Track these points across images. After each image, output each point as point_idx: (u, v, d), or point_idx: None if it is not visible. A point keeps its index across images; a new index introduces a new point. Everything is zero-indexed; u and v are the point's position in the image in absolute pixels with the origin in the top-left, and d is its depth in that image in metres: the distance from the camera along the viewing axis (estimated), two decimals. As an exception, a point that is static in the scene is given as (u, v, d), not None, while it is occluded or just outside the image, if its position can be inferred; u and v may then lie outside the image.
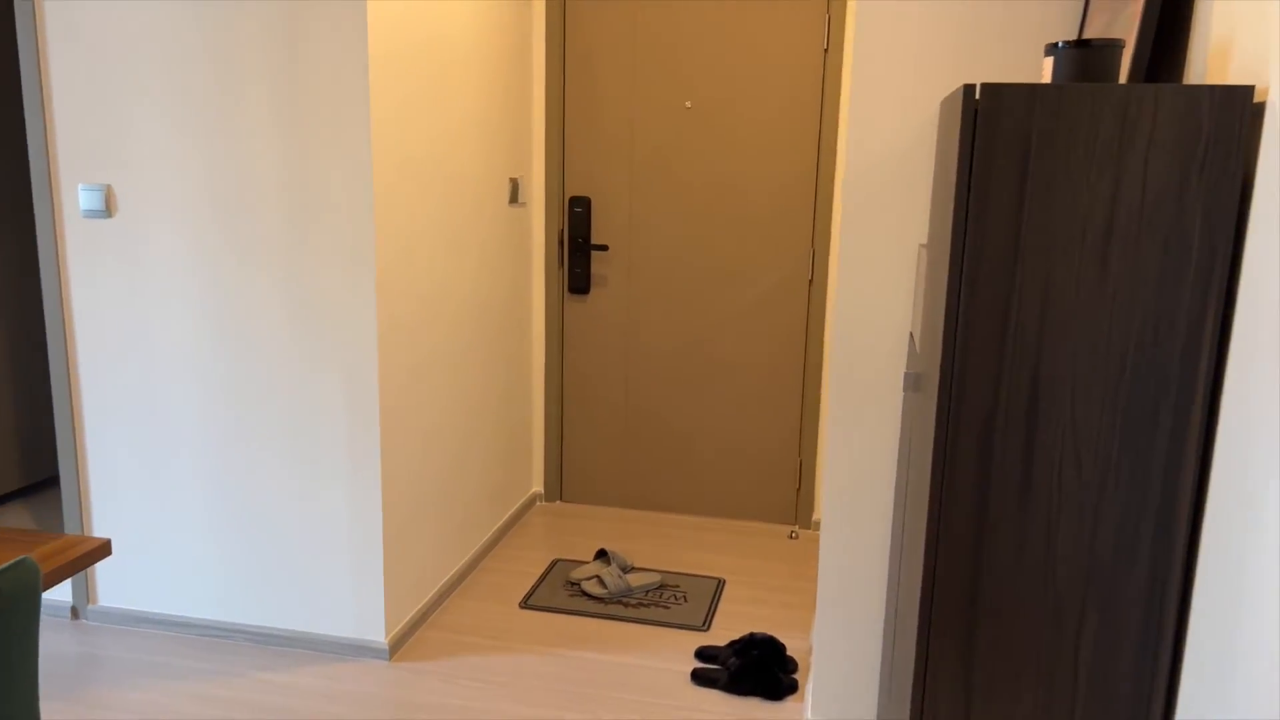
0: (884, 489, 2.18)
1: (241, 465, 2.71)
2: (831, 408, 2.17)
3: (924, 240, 2.08)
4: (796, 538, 3.60)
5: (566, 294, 3.74)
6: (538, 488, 3.91)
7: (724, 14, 3.42)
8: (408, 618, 2.83)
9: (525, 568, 3.30)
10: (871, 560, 2.21)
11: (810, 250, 3.50)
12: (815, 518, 3.68)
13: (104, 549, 1.55)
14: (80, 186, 2.66)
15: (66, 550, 1.52)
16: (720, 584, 3.19)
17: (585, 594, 3.09)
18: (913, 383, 1.83)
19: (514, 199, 3.47)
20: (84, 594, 2.89)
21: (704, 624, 2.92)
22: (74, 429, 2.80)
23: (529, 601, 3.05)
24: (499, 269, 3.38)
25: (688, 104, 3.51)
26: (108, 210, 2.66)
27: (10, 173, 3.52)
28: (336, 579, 2.70)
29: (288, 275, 2.58)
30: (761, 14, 3.40)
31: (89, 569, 2.87)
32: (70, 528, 2.85)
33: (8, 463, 3.59)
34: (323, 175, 2.51)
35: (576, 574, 3.19)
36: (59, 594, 2.94)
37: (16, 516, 3.47)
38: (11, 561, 1.21)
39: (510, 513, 3.65)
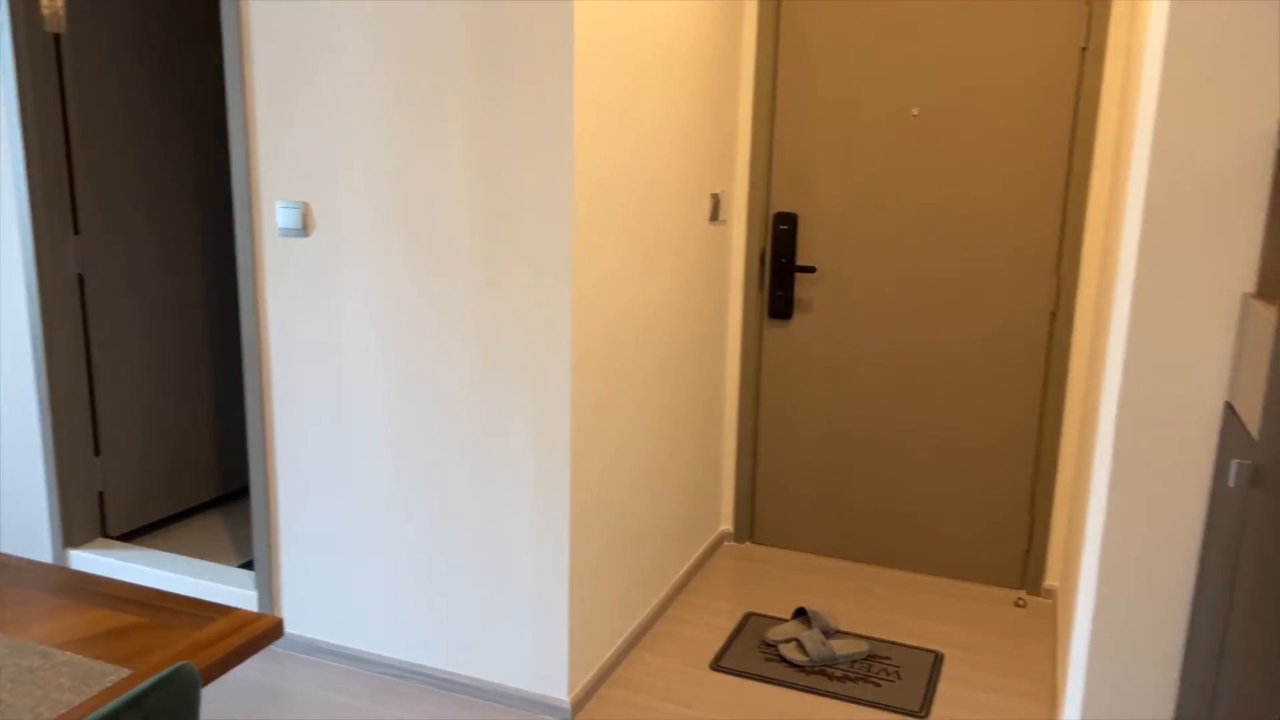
0: (1175, 589, 1.76)
1: (426, 495, 2.56)
2: (1107, 482, 1.78)
3: (1250, 288, 1.65)
4: (1024, 605, 3.15)
5: (766, 319, 3.44)
6: (726, 526, 3.63)
7: (960, 11, 3.02)
8: (592, 672, 2.61)
9: (715, 620, 3.02)
10: (1150, 677, 1.80)
11: (1055, 279, 3.05)
12: (1047, 584, 3.22)
13: (275, 630, 1.37)
14: (278, 204, 2.58)
15: (236, 632, 1.35)
16: (938, 658, 2.81)
17: (783, 659, 2.78)
18: (1248, 476, 1.43)
19: (714, 216, 3.20)
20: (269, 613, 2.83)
21: (921, 709, 2.55)
22: (265, 442, 2.74)
23: (720, 663, 2.77)
24: (694, 291, 3.12)
25: (914, 111, 3.13)
26: (304, 228, 2.57)
27: (215, 188, 3.55)
28: (519, 625, 2.51)
29: (478, 301, 2.40)
30: (1005, 9, 2.98)
31: (271, 586, 2.81)
32: (259, 540, 2.79)
33: (207, 471, 3.63)
34: (519, 194, 2.31)
35: (773, 634, 2.88)
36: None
37: (212, 525, 3.50)
38: (168, 670, 1.02)
39: (697, 554, 3.39)
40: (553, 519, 2.42)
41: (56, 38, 2.95)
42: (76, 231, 3.06)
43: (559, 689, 2.50)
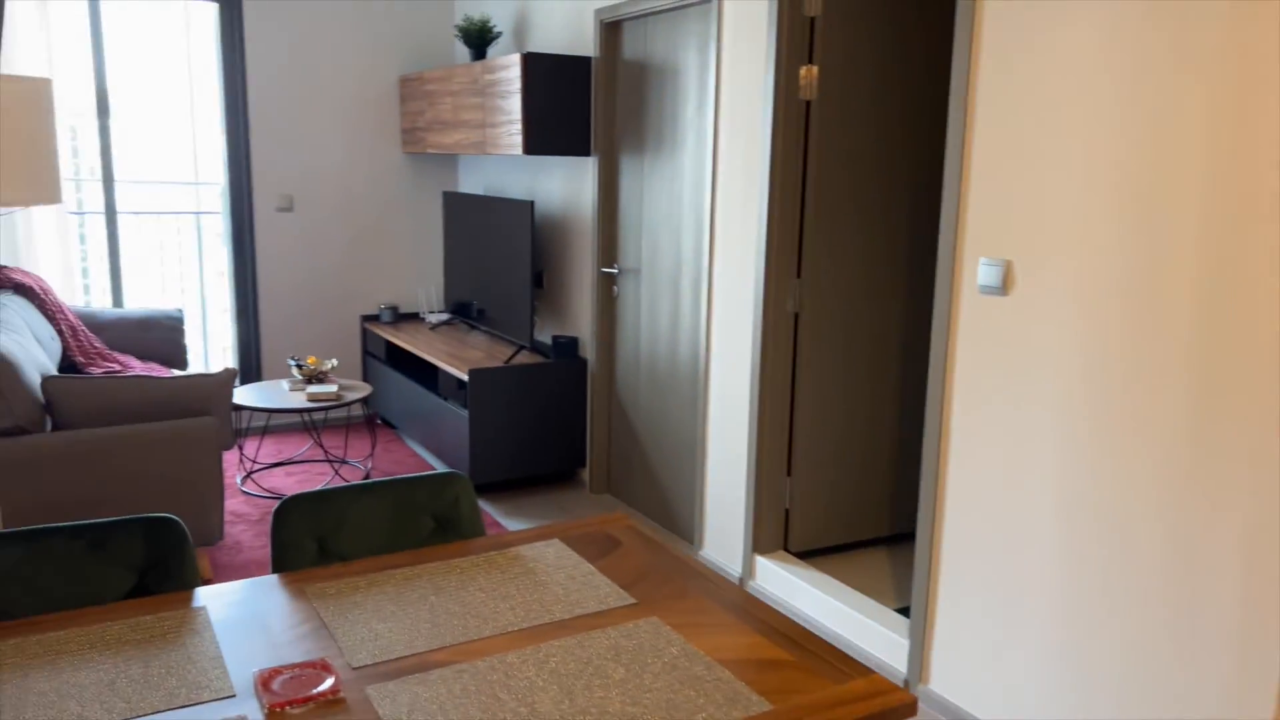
0: None
1: (1108, 569, 2.29)
2: None
3: None
4: None
5: None
6: None
7: None
8: None
9: None
10: None
11: None
12: None
13: (909, 709, 1.33)
14: (981, 260, 2.55)
15: (870, 698, 1.35)
16: None
17: None
18: None
19: None
20: (917, 667, 2.83)
21: None
22: (936, 492, 2.73)
23: None
24: None
25: None
26: (1003, 287, 2.50)
27: (923, 239, 3.66)
28: (1194, 776, 2.10)
29: (1200, 393, 2.06)
30: None
31: (924, 641, 2.79)
32: (917, 590, 2.80)
33: (882, 508, 3.78)
34: (1258, 265, 1.93)
35: None
36: (901, 662, 2.93)
37: (879, 562, 3.63)
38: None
39: None
40: (1257, 673, 1.97)
41: (807, 104, 3.33)
42: (798, 274, 3.42)
43: None
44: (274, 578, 1.75)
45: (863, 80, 3.41)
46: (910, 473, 3.83)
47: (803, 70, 3.28)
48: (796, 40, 3.24)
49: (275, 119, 5.18)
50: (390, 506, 1.97)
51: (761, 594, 3.49)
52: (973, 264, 2.58)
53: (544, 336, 4.86)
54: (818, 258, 3.45)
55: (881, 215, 3.55)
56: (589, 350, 4.47)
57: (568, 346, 4.50)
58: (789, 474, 3.55)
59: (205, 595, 1.68)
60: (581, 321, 4.53)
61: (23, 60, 4.44)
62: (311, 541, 1.89)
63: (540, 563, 1.82)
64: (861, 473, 3.71)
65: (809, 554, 3.66)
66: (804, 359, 3.49)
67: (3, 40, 4.35)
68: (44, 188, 2.41)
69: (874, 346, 3.64)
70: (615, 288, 4.34)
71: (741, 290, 3.46)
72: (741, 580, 3.58)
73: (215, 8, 5.04)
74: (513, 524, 4.15)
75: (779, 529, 3.56)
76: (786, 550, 3.59)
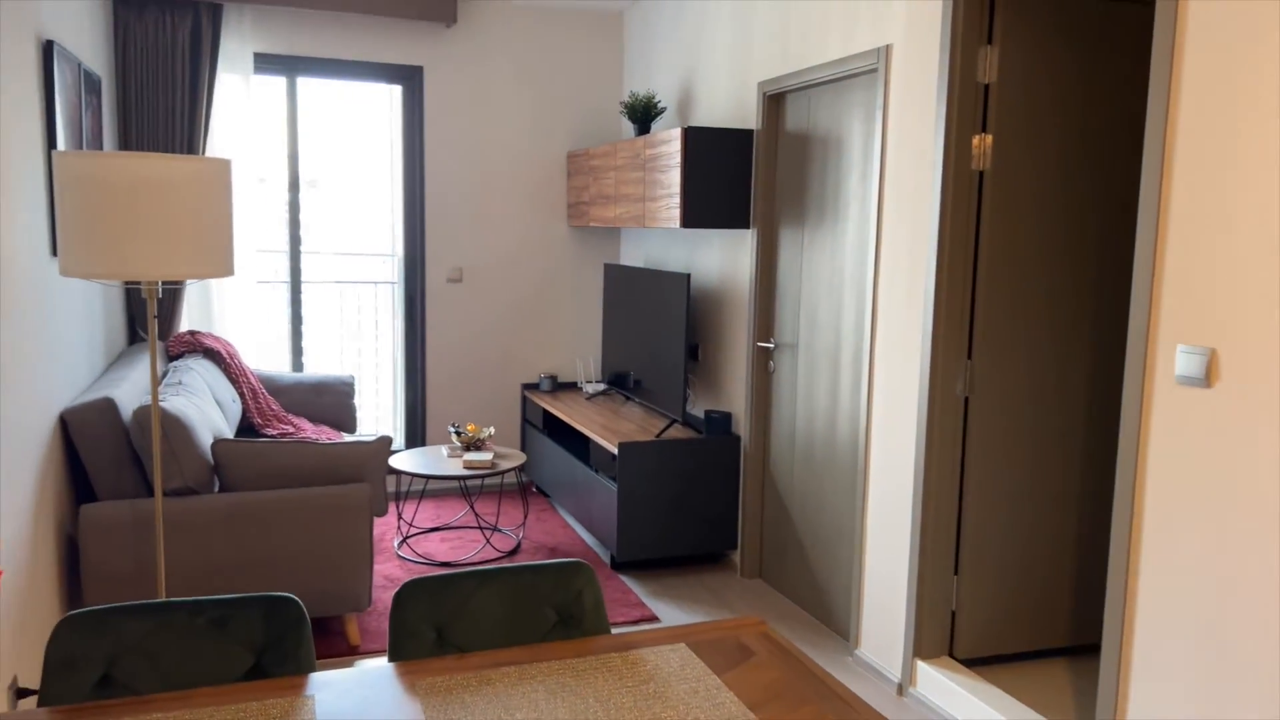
0: None
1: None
2: None
3: None
4: None
5: None
6: None
7: None
8: None
9: None
10: None
11: None
12: None
13: None
14: (1179, 348, 2.26)
15: None
16: None
17: None
18: None
19: None
20: (1100, 811, 2.47)
21: None
22: (1124, 604, 2.41)
23: None
24: None
25: None
26: (1206, 378, 2.19)
27: (1110, 322, 3.33)
28: None
29: None
30: None
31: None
32: (1102, 708, 2.46)
33: (1061, 615, 3.40)
34: None
35: None
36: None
37: (1057, 675, 3.25)
38: None
39: None
40: None
41: (980, 174, 3.11)
42: (969, 355, 3.17)
43: None
44: (389, 667, 1.69)
45: (1043, 148, 3.16)
46: (1093, 577, 3.44)
47: (975, 139, 3.07)
48: (968, 107, 3.04)
49: (449, 194, 5.38)
50: (512, 596, 1.88)
51: (922, 704, 3.18)
52: (1169, 351, 2.29)
53: (698, 411, 4.75)
54: (991, 338, 3.19)
55: (1063, 292, 3.25)
56: (743, 426, 4.32)
57: (721, 422, 4.36)
58: (956, 572, 3.25)
59: (317, 683, 1.63)
60: (736, 396, 4.39)
61: (223, 140, 4.80)
62: (430, 629, 1.82)
63: (662, 670, 1.68)
64: (1038, 575, 3.35)
65: (977, 662, 3.32)
66: (974, 447, 3.21)
67: (211, 121, 4.72)
68: (219, 263, 2.52)
69: (1052, 437, 3.31)
70: (771, 363, 4.18)
71: (906, 370, 3.23)
72: (900, 687, 3.28)
73: (399, 89, 5.31)
74: (658, 605, 4.01)
75: (944, 632, 3.26)
76: (952, 656, 3.28)
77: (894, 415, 3.29)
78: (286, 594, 1.74)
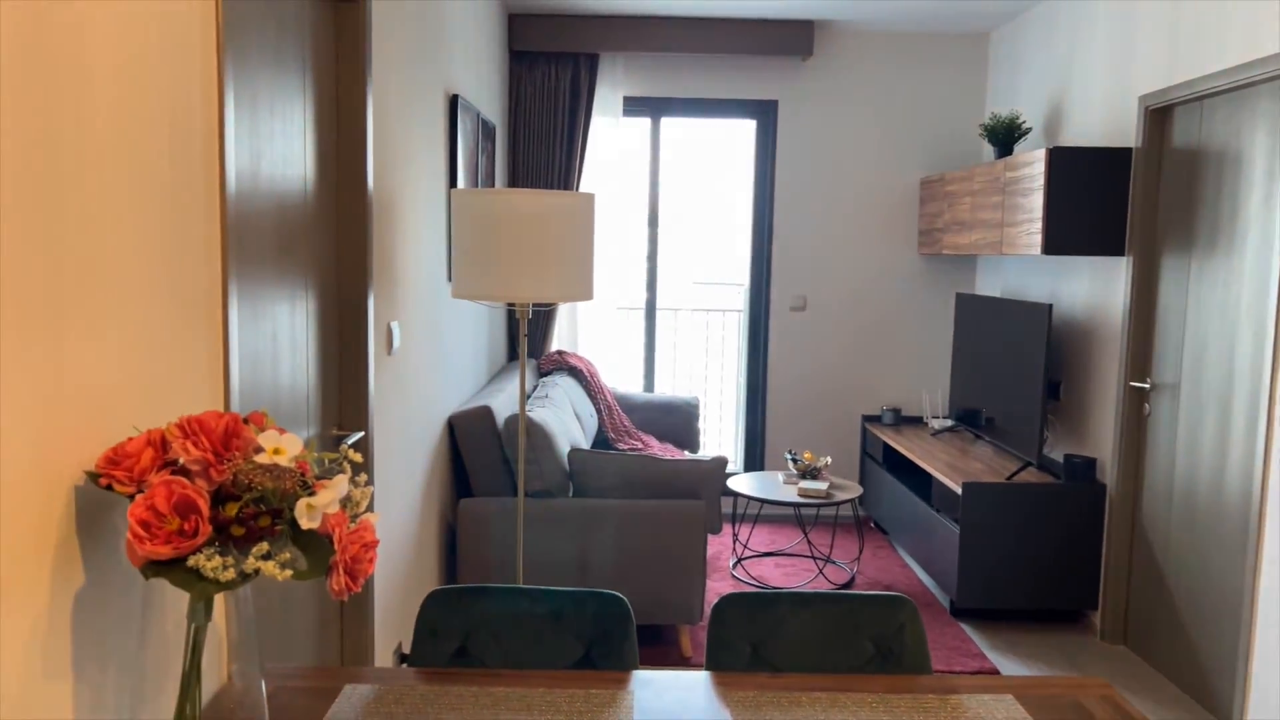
0: None
1: None
2: None
3: None
4: None
5: None
6: None
7: None
8: None
9: None
10: None
11: None
12: None
13: None
14: None
15: None
16: None
17: None
18: None
19: None
20: None
21: None
22: None
23: None
24: None
25: None
26: None
27: None
28: None
29: None
30: None
31: None
32: None
33: None
34: None
35: None
36: None
37: None
38: None
39: None
40: None
41: None
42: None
43: None
44: (705, 675, 1.74)
45: None
46: None
47: None
48: None
49: (797, 223, 5.45)
50: (830, 622, 1.86)
51: (1327, 818, 2.67)
52: None
53: (1055, 454, 4.37)
54: None
55: None
56: (1109, 474, 3.91)
57: (1083, 468, 3.98)
58: (1379, 666, 2.70)
59: (639, 680, 1.71)
60: (1102, 441, 3.99)
61: (593, 177, 5.24)
62: (746, 644, 1.85)
63: (986, 720, 1.57)
64: None
65: None
66: None
67: (585, 161, 5.18)
68: (580, 287, 2.75)
69: None
70: (1147, 405, 3.75)
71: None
72: (1298, 792, 2.78)
73: (754, 123, 5.49)
74: (1000, 659, 3.73)
75: (1360, 737, 2.72)
76: (1371, 767, 2.72)
77: (1298, 472, 2.82)
78: (614, 592, 1.85)
